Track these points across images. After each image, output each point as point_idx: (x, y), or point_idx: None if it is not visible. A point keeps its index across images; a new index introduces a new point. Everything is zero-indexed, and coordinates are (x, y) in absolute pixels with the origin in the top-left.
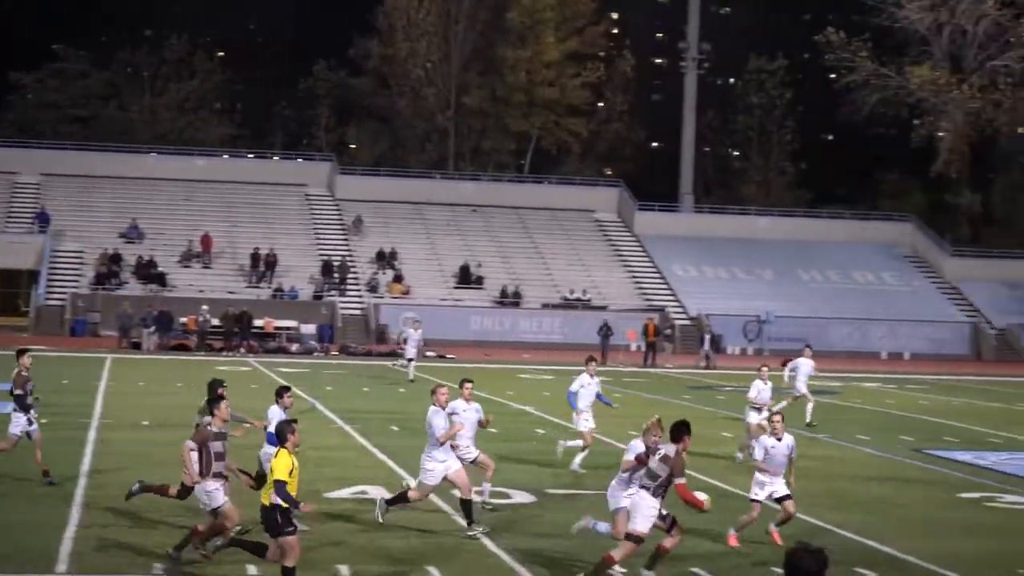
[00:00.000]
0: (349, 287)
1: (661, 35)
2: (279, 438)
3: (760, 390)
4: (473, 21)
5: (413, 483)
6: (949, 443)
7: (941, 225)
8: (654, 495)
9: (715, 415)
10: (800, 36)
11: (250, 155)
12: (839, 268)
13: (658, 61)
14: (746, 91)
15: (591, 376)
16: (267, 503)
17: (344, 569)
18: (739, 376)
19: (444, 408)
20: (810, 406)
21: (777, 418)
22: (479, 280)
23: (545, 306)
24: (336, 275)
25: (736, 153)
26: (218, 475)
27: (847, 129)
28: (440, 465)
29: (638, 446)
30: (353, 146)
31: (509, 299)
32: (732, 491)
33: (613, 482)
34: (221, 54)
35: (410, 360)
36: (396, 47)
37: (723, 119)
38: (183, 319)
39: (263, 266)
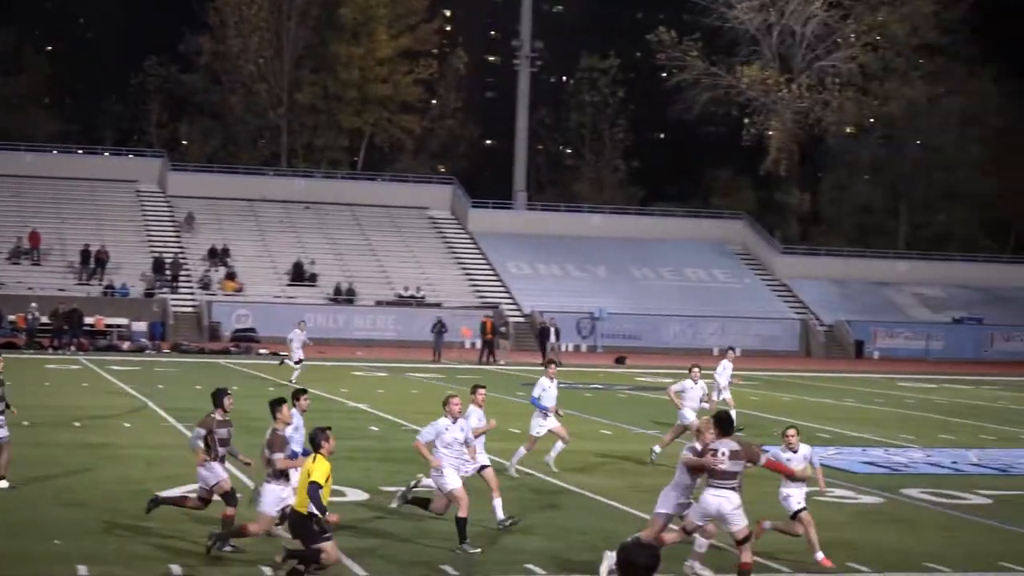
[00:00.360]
0: (181, 284)
1: (494, 33)
2: (314, 445)
3: (688, 389)
4: (305, 17)
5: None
6: (779, 439)
7: (771, 223)
8: (738, 492)
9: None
10: (632, 35)
11: (80, 151)
12: (671, 265)
13: (491, 59)
14: (579, 89)
15: (551, 379)
16: (303, 511)
17: (176, 569)
18: (573, 373)
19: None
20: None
21: (792, 432)
22: (312, 277)
23: (379, 303)
24: (168, 272)
25: (569, 151)
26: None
27: (679, 127)
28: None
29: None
30: (185, 142)
31: (343, 296)
32: (560, 484)
33: (668, 487)
34: (50, 48)
35: (299, 362)
36: (228, 43)
37: (556, 117)
38: (12, 317)
39: (94, 263)
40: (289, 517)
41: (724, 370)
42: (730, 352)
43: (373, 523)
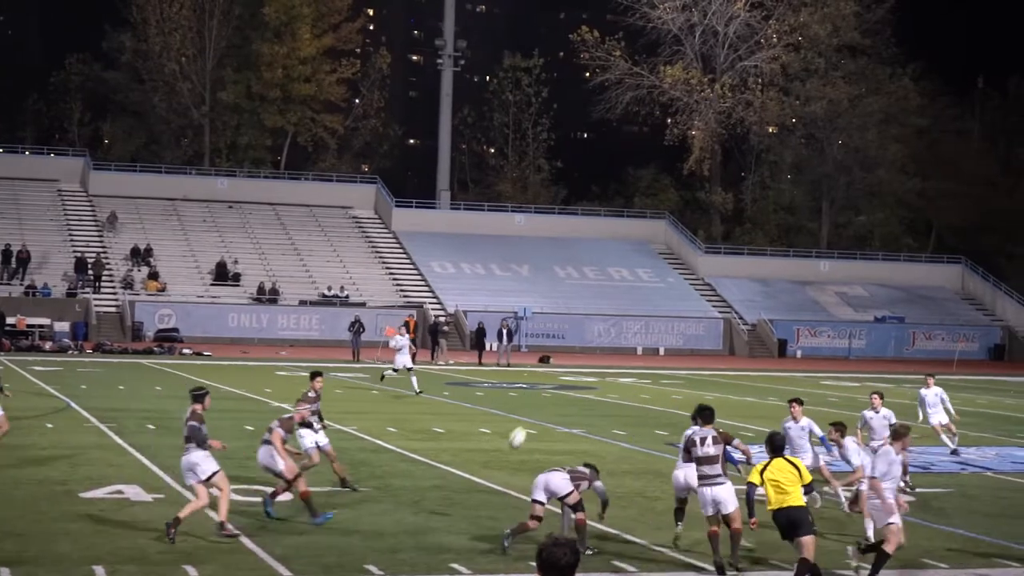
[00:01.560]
0: (104, 284)
1: (417, 32)
2: None
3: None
4: (228, 16)
5: None
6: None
7: (694, 223)
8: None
9: (474, 411)
10: (555, 35)
11: (0, 150)
12: (595, 264)
13: (414, 58)
14: (502, 88)
15: None
16: None
17: (100, 570)
18: (497, 372)
19: None
20: None
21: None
22: (236, 277)
23: (303, 303)
24: (90, 272)
25: (492, 150)
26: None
27: (602, 127)
28: None
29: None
30: (107, 141)
31: (266, 296)
32: (484, 484)
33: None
34: None
35: (409, 369)
36: (150, 41)
37: (479, 116)
38: None
39: (15, 263)
40: None
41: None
42: (388, 329)
43: (296, 523)
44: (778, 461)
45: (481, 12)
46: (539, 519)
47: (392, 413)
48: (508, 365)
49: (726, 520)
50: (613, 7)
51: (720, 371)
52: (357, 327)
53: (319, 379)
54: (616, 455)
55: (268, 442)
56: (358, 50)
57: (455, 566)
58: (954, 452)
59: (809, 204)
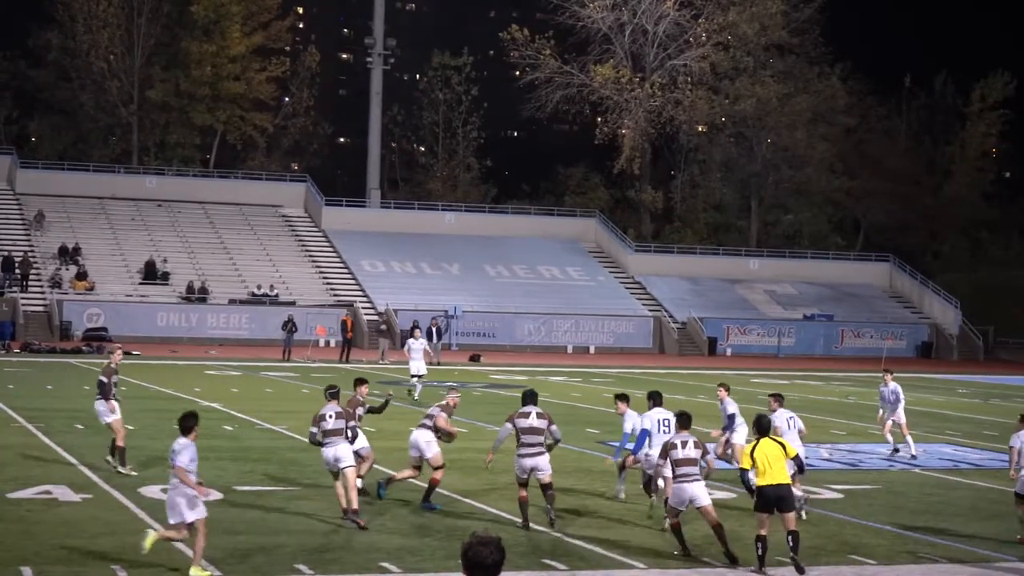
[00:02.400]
0: (31, 283)
1: (347, 30)
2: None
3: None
4: (156, 14)
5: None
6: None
7: (624, 221)
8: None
9: (404, 410)
10: (485, 33)
11: None
12: (525, 263)
13: (344, 56)
14: (432, 87)
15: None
16: None
17: (27, 571)
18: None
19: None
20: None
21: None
22: (165, 276)
23: (232, 302)
24: (18, 271)
25: (422, 149)
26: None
27: (532, 126)
28: None
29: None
30: (34, 139)
31: (196, 295)
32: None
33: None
34: None
35: (415, 378)
36: (77, 39)
37: (409, 115)
38: None
39: None
40: None
41: None
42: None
43: (228, 523)
44: (765, 441)
45: (411, 10)
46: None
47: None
48: (439, 364)
49: (701, 513)
50: (543, 6)
51: (650, 369)
52: (290, 326)
53: (364, 386)
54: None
55: (426, 426)
56: (287, 48)
57: (385, 565)
58: (896, 451)
59: (738, 203)
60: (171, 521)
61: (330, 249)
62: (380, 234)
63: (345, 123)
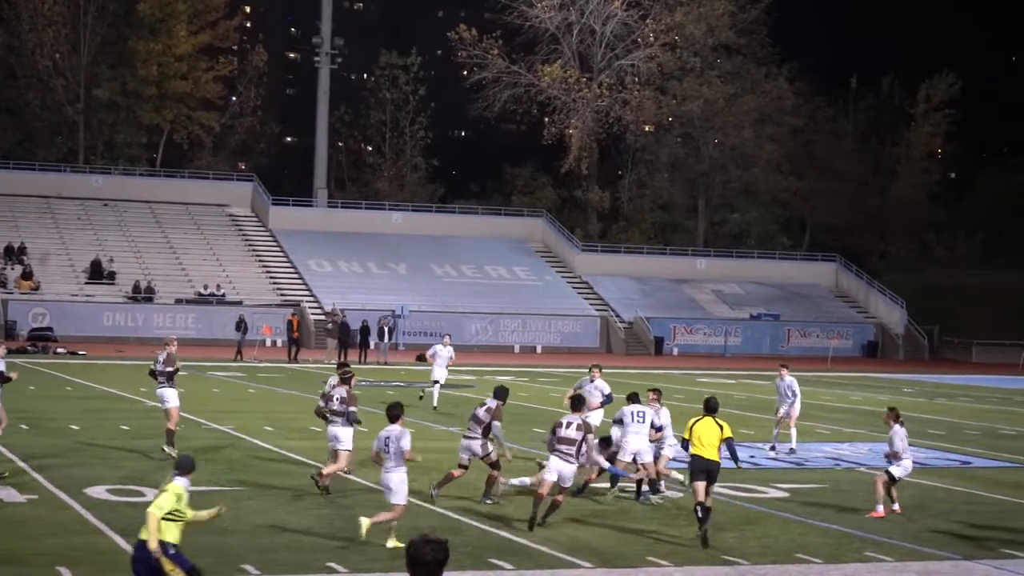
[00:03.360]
0: None
1: (294, 30)
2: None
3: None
4: (103, 12)
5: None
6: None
7: (571, 221)
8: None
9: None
10: (433, 33)
11: None
12: (472, 263)
13: (291, 55)
14: (379, 86)
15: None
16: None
17: None
18: (374, 371)
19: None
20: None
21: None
22: (111, 276)
23: (179, 301)
24: None
25: (369, 148)
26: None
27: (479, 125)
28: None
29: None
30: None
31: (142, 295)
32: (361, 482)
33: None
34: None
35: (436, 383)
36: (22, 37)
37: (356, 114)
38: None
39: None
40: None
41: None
42: (446, 338)
43: None
44: (707, 419)
45: (358, 10)
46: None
47: (269, 412)
48: (386, 363)
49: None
50: (491, 5)
51: None
52: (243, 326)
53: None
54: None
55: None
56: (235, 48)
57: (332, 564)
58: (773, 448)
59: (685, 202)
60: (393, 501)
61: (277, 249)
62: (327, 234)
63: (292, 122)
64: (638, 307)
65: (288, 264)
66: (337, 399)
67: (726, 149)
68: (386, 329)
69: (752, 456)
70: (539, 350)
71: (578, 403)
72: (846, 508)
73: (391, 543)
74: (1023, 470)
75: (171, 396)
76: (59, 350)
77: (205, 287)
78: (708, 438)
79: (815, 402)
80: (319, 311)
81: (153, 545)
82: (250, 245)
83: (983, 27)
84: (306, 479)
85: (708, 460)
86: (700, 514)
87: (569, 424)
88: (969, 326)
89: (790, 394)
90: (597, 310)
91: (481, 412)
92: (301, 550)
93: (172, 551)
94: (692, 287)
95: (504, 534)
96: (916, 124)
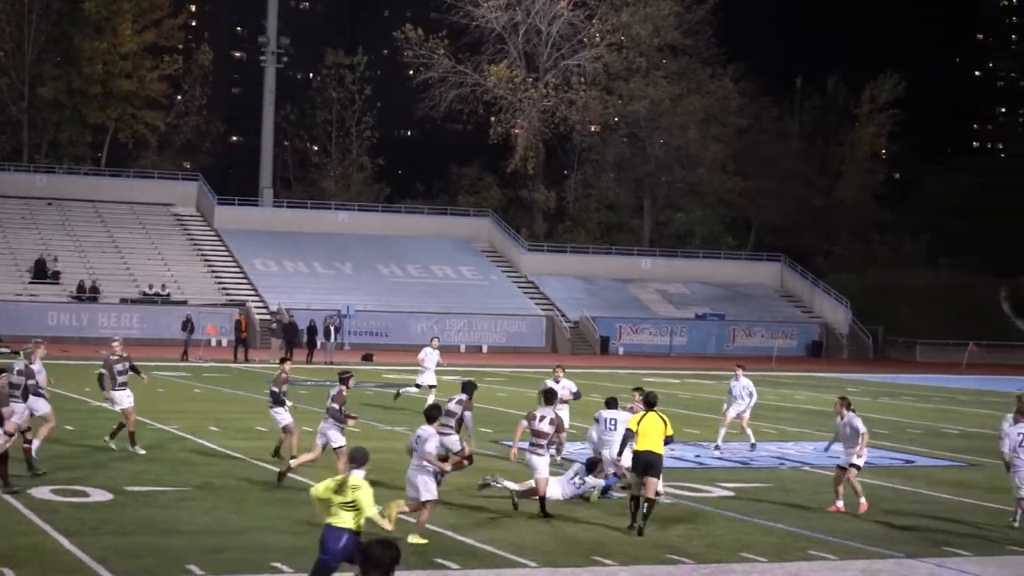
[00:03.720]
0: None
1: (240, 28)
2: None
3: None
4: (47, 10)
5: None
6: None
7: (517, 221)
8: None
9: (297, 410)
10: (379, 32)
11: None
12: (418, 262)
13: (237, 54)
14: (325, 86)
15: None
16: None
17: None
18: (320, 371)
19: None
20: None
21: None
22: (55, 275)
23: (124, 301)
24: None
25: (315, 148)
26: None
27: (425, 125)
28: None
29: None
30: None
31: (87, 294)
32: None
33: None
34: None
35: (432, 387)
36: None
37: (302, 113)
38: None
39: None
40: None
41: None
42: (434, 341)
43: (118, 523)
44: (651, 414)
45: (304, 9)
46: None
47: (215, 412)
48: (331, 363)
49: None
50: (437, 5)
51: (543, 369)
52: (189, 326)
53: (288, 363)
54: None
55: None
56: (180, 46)
57: (277, 565)
58: (717, 448)
59: (631, 202)
60: (424, 498)
61: (222, 248)
62: (273, 233)
63: (238, 122)
64: (584, 307)
65: (233, 264)
66: (330, 397)
67: (672, 149)
68: (332, 329)
69: (697, 455)
70: (485, 350)
71: (550, 397)
72: (791, 507)
73: (413, 539)
74: (966, 469)
75: (126, 398)
76: (2, 350)
77: (150, 287)
78: (653, 432)
79: (760, 401)
80: (265, 311)
81: (389, 527)
82: (195, 245)
83: (927, 28)
84: (251, 479)
85: (654, 454)
86: (645, 509)
87: (542, 418)
88: (913, 326)
89: (746, 395)
90: (543, 310)
91: (452, 405)
92: (246, 550)
93: (346, 538)
94: (638, 287)
95: (449, 534)
96: (861, 124)
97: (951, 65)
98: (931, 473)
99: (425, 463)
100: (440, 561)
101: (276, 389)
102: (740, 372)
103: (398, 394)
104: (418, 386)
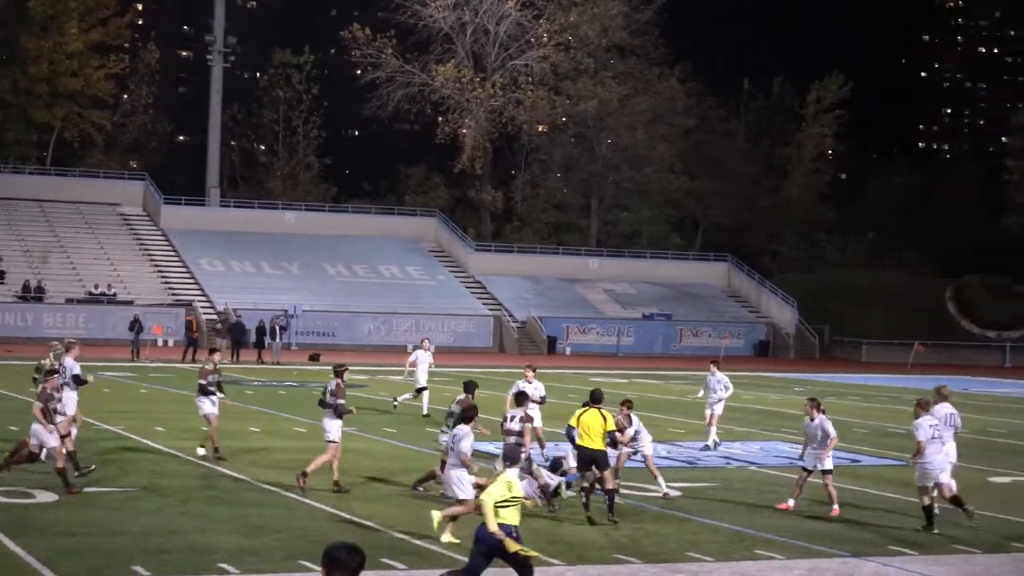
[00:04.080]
0: None
1: (187, 27)
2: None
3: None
4: None
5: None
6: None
7: (465, 221)
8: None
9: (243, 410)
10: (326, 31)
11: None
12: (365, 262)
13: (184, 53)
14: (272, 85)
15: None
16: None
17: None
18: (267, 371)
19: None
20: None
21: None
22: (0, 275)
23: (69, 301)
24: None
25: (263, 147)
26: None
27: (373, 124)
28: None
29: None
30: None
31: (32, 294)
32: (253, 482)
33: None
34: None
35: (423, 390)
36: None
37: (249, 113)
38: None
39: None
40: None
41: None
42: (425, 342)
43: (64, 524)
44: (593, 410)
45: (251, 8)
46: None
47: (160, 413)
48: (278, 363)
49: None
50: (384, 5)
51: (490, 368)
52: (138, 326)
53: (217, 354)
54: (387, 453)
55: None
56: (127, 45)
57: (224, 566)
58: (711, 447)
59: (579, 202)
60: (459, 496)
61: (169, 248)
62: (219, 233)
63: (185, 121)
64: (531, 307)
65: (180, 263)
66: (328, 391)
67: (619, 149)
68: (278, 329)
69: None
70: (432, 350)
71: (521, 399)
72: (738, 506)
73: (445, 537)
74: (910, 469)
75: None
76: None
77: (96, 287)
78: (594, 429)
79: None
80: (211, 311)
81: (492, 528)
82: (142, 244)
83: (874, 29)
84: (197, 480)
85: (595, 450)
86: (609, 502)
87: (513, 418)
88: (859, 326)
89: (722, 388)
90: (490, 310)
91: (454, 407)
92: (192, 551)
93: (514, 533)
94: (585, 287)
95: (396, 535)
96: (807, 125)
97: (897, 66)
98: (877, 472)
99: (461, 462)
100: (387, 561)
101: (203, 381)
102: (715, 368)
103: (396, 405)
104: (419, 391)
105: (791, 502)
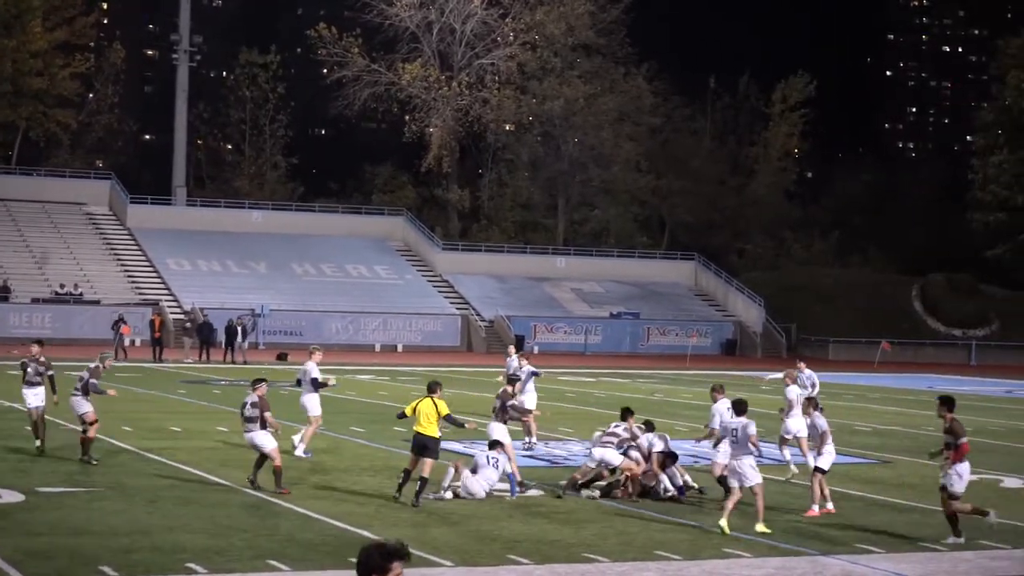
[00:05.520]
0: None
1: (153, 26)
2: None
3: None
4: None
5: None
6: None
7: (432, 220)
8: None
9: (210, 409)
10: (293, 30)
11: None
12: (333, 261)
13: (150, 52)
14: (238, 84)
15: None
16: None
17: None
18: (234, 370)
19: None
20: None
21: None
22: None
23: (35, 301)
24: None
25: (229, 146)
26: None
27: (340, 124)
28: None
29: None
30: None
31: None
32: (220, 482)
33: None
34: None
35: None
36: None
37: (215, 112)
38: None
39: None
40: None
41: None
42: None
43: (30, 524)
44: (427, 399)
45: (217, 7)
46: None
47: (127, 412)
48: (245, 363)
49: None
50: (350, 3)
51: (458, 367)
52: (118, 325)
53: (109, 360)
54: (354, 452)
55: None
56: (92, 44)
57: (191, 566)
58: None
59: (545, 201)
60: (747, 485)
61: (135, 247)
62: (186, 232)
63: (151, 120)
64: (499, 306)
65: (147, 263)
66: (250, 404)
67: (586, 148)
68: (240, 329)
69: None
70: (400, 349)
71: (625, 415)
72: (706, 505)
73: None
74: (877, 466)
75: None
76: None
77: (62, 286)
78: (428, 416)
79: (675, 400)
80: (178, 310)
81: None
82: (108, 244)
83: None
84: (164, 479)
85: (428, 436)
86: (419, 486)
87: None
88: (825, 324)
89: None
90: (458, 309)
91: (598, 435)
92: (160, 551)
93: None
94: (552, 286)
95: (364, 533)
96: (773, 124)
97: (862, 65)
98: (843, 471)
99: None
100: (354, 561)
101: (94, 380)
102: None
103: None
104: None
105: (815, 508)
